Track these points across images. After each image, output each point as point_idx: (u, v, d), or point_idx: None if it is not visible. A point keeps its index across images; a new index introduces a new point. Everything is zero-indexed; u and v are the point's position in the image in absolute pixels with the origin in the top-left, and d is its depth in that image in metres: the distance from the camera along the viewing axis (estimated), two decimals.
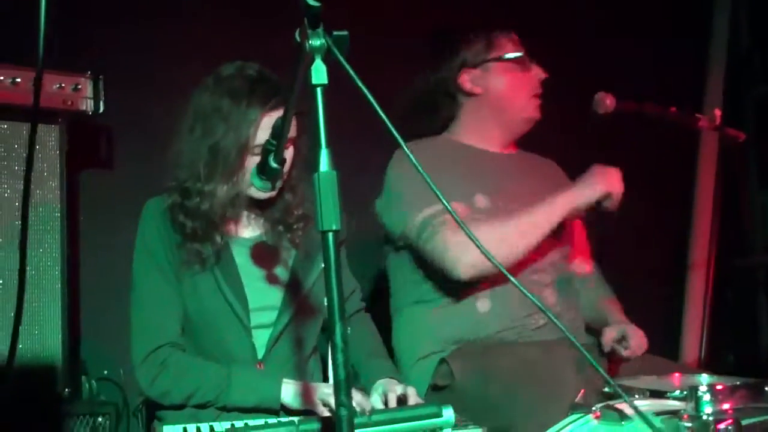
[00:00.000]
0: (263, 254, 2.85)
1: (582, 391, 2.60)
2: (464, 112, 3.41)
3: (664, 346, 4.33)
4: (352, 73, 1.84)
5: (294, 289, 2.84)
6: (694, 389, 2.17)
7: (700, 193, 4.68)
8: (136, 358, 2.70)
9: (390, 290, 3.40)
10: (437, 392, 3.11)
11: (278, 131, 2.29)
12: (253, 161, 2.66)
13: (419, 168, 1.97)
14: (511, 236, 3.05)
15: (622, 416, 2.31)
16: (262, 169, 2.41)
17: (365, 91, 1.83)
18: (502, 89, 3.33)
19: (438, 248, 3.07)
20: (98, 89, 3.36)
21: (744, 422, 2.05)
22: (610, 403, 2.41)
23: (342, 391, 1.80)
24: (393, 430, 2.29)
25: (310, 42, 1.85)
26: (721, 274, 4.42)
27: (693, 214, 4.70)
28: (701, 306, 4.43)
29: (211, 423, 2.46)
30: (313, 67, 1.85)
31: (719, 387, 2.18)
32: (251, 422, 2.45)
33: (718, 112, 3.46)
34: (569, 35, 4.36)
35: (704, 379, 2.87)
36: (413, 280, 3.26)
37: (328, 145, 1.84)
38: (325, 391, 2.63)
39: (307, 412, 2.63)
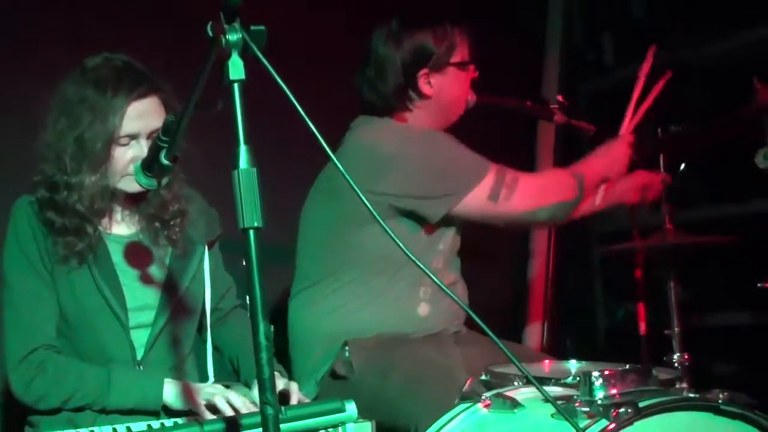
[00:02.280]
0: (138, 253, 2.78)
1: (469, 379, 2.66)
2: (412, 110, 3.31)
3: (509, 333, 4.46)
4: (271, 69, 1.82)
5: (171, 288, 2.79)
6: (587, 375, 2.25)
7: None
8: (11, 361, 2.61)
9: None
10: (335, 380, 3.12)
11: (171, 127, 2.23)
12: (120, 152, 2.62)
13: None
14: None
15: (514, 404, 2.37)
16: (149, 166, 2.34)
17: (285, 89, 1.82)
18: (450, 94, 3.31)
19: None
20: None
21: (640, 404, 2.13)
22: (501, 391, 2.47)
23: (267, 389, 1.78)
24: (296, 427, 2.27)
25: (226, 37, 1.82)
26: (560, 264, 4.60)
27: None
28: (542, 295, 4.59)
29: (90, 429, 2.37)
30: (230, 63, 1.81)
31: (609, 372, 2.27)
32: (133, 426, 2.40)
33: (561, 98, 3.58)
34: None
35: (572, 364, 2.99)
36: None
37: (247, 141, 1.82)
38: (208, 391, 2.60)
39: (188, 413, 2.59)
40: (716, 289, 4.26)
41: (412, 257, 2.00)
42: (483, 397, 2.48)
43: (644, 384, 2.32)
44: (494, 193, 3.12)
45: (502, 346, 2.08)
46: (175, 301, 2.78)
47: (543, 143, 4.83)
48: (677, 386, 2.46)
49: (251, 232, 1.80)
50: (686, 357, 3.23)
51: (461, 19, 3.32)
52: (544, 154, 4.82)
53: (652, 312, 3.65)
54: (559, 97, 3.50)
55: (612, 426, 2.08)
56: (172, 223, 2.79)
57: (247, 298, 1.82)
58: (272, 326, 1.83)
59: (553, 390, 2.48)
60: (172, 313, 2.77)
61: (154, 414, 2.62)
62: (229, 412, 2.53)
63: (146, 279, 2.77)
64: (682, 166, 3.57)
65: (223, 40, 1.82)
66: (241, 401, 2.57)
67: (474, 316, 2.02)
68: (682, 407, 2.19)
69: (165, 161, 2.27)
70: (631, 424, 2.10)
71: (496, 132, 3.91)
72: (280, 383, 2.68)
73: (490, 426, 2.40)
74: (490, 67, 3.47)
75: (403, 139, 3.16)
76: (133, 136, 2.63)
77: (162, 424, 2.43)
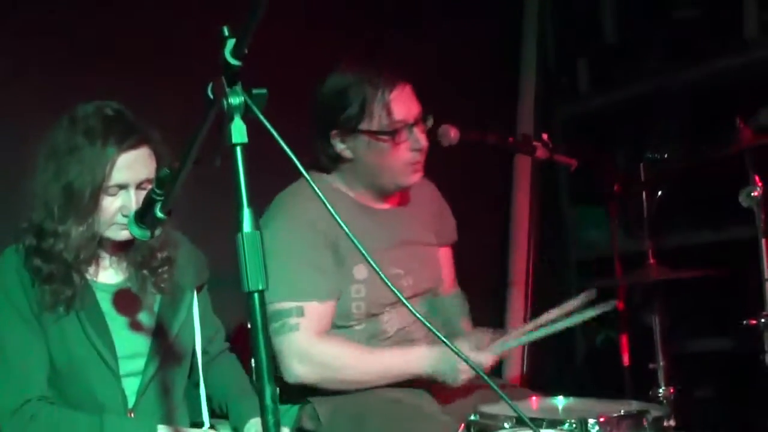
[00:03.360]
0: (126, 300, 2.78)
1: (461, 426, 2.67)
2: (344, 169, 3.17)
3: None
4: (273, 132, 1.83)
5: (161, 335, 2.79)
6: (583, 422, 2.27)
7: (517, 204, 4.84)
8: (4, 413, 2.59)
9: None
10: None
11: (165, 180, 2.23)
12: (108, 201, 2.61)
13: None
14: (357, 375, 3.04)
15: None
16: (143, 217, 2.34)
17: (287, 149, 1.83)
18: (370, 161, 3.09)
19: (278, 347, 2.99)
20: None
21: None
22: None
23: None
24: None
25: (228, 100, 1.82)
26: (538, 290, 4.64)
27: (512, 222, 4.85)
28: (523, 303, 4.61)
29: None
30: (232, 126, 1.82)
31: (605, 419, 2.29)
32: None
33: (545, 137, 3.58)
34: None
35: (560, 401, 3.01)
36: None
37: (250, 205, 1.82)
38: None
39: None
40: (696, 317, 4.30)
41: (392, 288, 2.02)
42: None
43: (638, 430, 2.34)
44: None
45: (497, 389, 2.10)
46: (165, 347, 2.78)
47: (520, 174, 4.85)
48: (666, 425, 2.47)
49: (255, 295, 1.80)
50: (671, 391, 3.26)
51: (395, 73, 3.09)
52: (521, 185, 4.84)
53: (635, 342, 3.67)
54: (544, 136, 3.50)
55: None
56: (160, 270, 2.79)
57: (252, 361, 1.81)
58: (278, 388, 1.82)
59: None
60: (162, 360, 2.77)
61: None
62: None
63: (135, 326, 2.76)
64: (659, 192, 3.61)
65: (225, 104, 1.83)
66: None
67: (463, 356, 2.02)
68: None
69: (160, 214, 2.27)
70: None
71: (473, 162, 3.93)
72: None
73: None
74: (465, 93, 3.52)
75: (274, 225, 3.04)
76: (122, 186, 2.63)
77: None
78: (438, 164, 3.25)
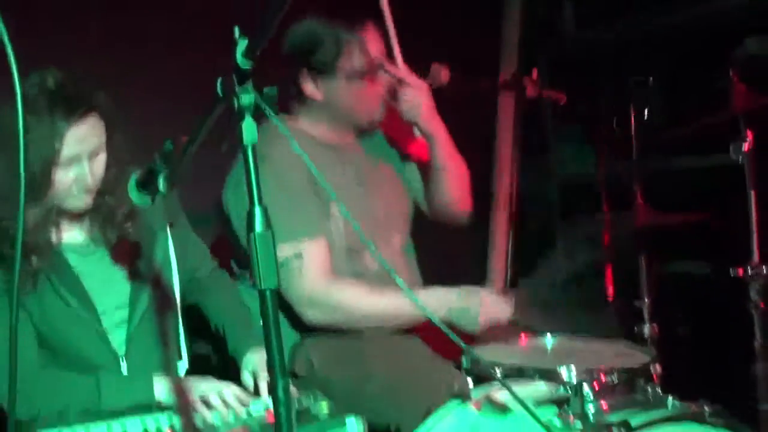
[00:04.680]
0: (97, 256, 2.80)
1: (458, 377, 2.75)
2: (309, 109, 3.25)
3: (474, 273, 4.56)
4: (287, 132, 1.84)
5: (139, 281, 2.82)
6: (579, 387, 2.34)
7: (501, 142, 4.84)
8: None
9: None
10: (297, 380, 3.11)
11: (168, 154, 2.23)
12: (61, 175, 2.59)
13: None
14: (367, 314, 3.10)
15: (504, 410, 2.46)
16: (143, 185, 2.34)
17: (305, 157, 1.84)
18: (344, 101, 3.18)
19: (286, 295, 3.03)
20: None
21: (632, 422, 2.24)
22: (490, 392, 2.56)
23: None
24: None
25: (239, 100, 1.82)
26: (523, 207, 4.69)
27: (496, 158, 4.86)
28: (506, 236, 4.67)
29: (87, 425, 2.46)
30: (243, 126, 1.83)
31: (598, 386, 2.37)
32: (129, 425, 2.49)
33: (534, 75, 3.59)
34: None
35: (549, 341, 3.08)
36: None
37: (261, 203, 1.84)
38: (202, 387, 2.67)
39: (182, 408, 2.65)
40: (683, 258, 4.37)
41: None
42: (473, 399, 2.56)
43: (632, 395, 2.43)
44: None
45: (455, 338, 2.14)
46: (147, 292, 2.82)
47: (503, 118, 4.83)
48: (658, 391, 2.55)
49: (268, 293, 1.84)
50: (655, 329, 3.34)
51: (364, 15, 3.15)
52: (504, 129, 4.83)
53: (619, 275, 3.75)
54: (533, 74, 3.52)
55: None
56: (124, 225, 2.78)
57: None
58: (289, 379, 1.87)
59: (542, 389, 2.57)
60: (147, 306, 2.81)
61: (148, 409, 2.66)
62: (223, 409, 2.60)
63: (112, 279, 2.79)
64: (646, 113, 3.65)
65: (236, 102, 1.83)
66: (236, 396, 2.66)
67: (442, 326, 2.05)
68: (671, 421, 2.29)
69: (162, 188, 2.27)
70: None
71: (455, 107, 3.90)
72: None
73: (483, 429, 2.48)
74: (448, 33, 3.50)
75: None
76: (75, 159, 2.60)
77: (158, 428, 2.52)
78: None
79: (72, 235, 2.78)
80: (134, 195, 2.37)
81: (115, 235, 2.78)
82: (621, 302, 3.56)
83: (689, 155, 4.42)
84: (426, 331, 3.16)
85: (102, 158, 2.66)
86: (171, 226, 2.90)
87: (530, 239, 4.88)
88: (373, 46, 3.14)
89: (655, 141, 3.88)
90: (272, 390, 1.85)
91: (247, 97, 1.83)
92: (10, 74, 2.45)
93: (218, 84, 1.87)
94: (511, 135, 4.66)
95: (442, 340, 3.10)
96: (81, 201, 2.66)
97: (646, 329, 3.34)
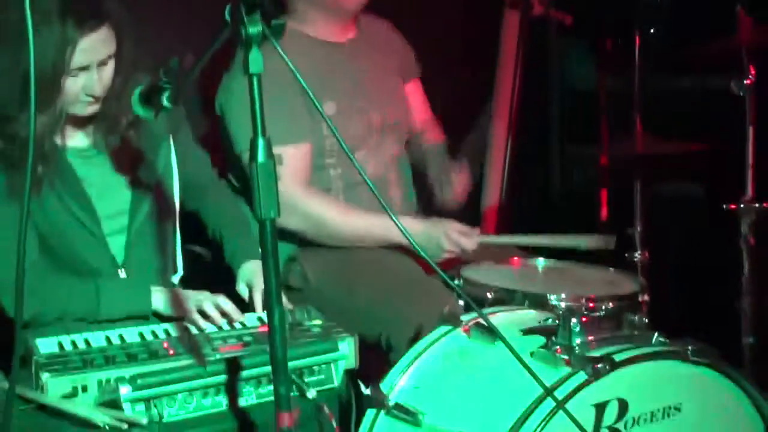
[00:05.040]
0: (100, 162, 2.80)
1: (449, 297, 2.80)
2: (295, 6, 3.29)
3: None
4: (290, 64, 1.85)
5: (140, 188, 2.83)
6: (566, 318, 2.38)
7: (504, 56, 4.76)
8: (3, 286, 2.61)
9: None
10: (291, 293, 3.17)
11: (173, 70, 2.24)
12: (70, 83, 2.58)
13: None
14: (334, 232, 3.16)
15: (492, 337, 2.50)
16: (147, 100, 2.35)
17: (298, 76, 1.85)
18: None
19: None
20: None
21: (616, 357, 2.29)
22: (480, 321, 2.60)
23: (280, 372, 1.89)
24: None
25: (247, 29, 1.83)
26: (519, 124, 4.66)
27: (497, 72, 4.81)
28: (503, 152, 4.66)
29: (84, 337, 2.51)
30: (250, 56, 1.83)
31: (587, 320, 2.42)
32: (126, 335, 2.54)
33: None
34: None
35: (540, 262, 3.14)
36: None
37: (264, 133, 1.86)
38: (198, 297, 2.71)
39: (177, 318, 2.72)
40: (678, 189, 4.37)
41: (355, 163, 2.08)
42: (463, 323, 2.60)
43: (618, 328, 2.48)
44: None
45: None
46: (147, 201, 2.83)
47: (507, 34, 4.75)
48: (645, 321, 2.61)
49: (267, 222, 1.86)
50: (646, 255, 3.38)
51: None
52: (508, 46, 4.75)
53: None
54: None
55: (590, 379, 2.23)
56: (128, 132, 2.79)
57: None
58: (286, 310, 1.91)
59: (530, 316, 2.63)
60: (147, 213, 2.83)
61: (145, 318, 2.73)
62: (218, 318, 2.65)
63: (114, 184, 2.81)
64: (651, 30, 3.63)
65: (243, 31, 1.83)
66: (230, 307, 2.70)
67: (429, 260, 2.08)
68: (655, 358, 2.34)
69: (167, 103, 2.28)
70: (606, 374, 2.24)
71: (457, 22, 3.88)
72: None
73: (471, 354, 2.52)
74: None
75: None
76: (84, 68, 2.59)
77: (154, 332, 2.58)
78: (422, 20, 3.26)
79: (76, 140, 2.78)
80: (138, 108, 2.38)
81: (117, 141, 2.78)
82: (613, 227, 3.56)
83: (691, 78, 4.39)
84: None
85: (110, 66, 2.65)
86: (174, 135, 2.90)
87: (527, 155, 4.86)
88: None
89: (659, 61, 3.87)
90: (269, 318, 1.90)
91: (254, 28, 1.83)
92: None
93: (226, 10, 1.87)
94: (514, 51, 4.59)
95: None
96: (87, 107, 2.65)
97: (637, 256, 3.37)
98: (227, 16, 1.87)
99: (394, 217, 2.10)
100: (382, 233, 3.12)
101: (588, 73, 4.62)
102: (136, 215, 2.81)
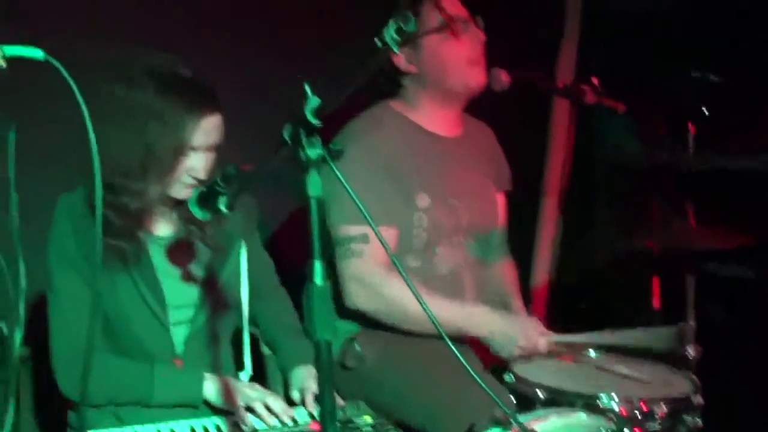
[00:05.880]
0: (176, 252, 2.85)
1: (503, 393, 2.78)
2: (407, 89, 3.30)
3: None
4: (343, 182, 1.86)
5: (209, 285, 2.87)
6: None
7: (554, 140, 4.80)
8: (58, 361, 2.70)
9: None
10: (345, 371, 3.19)
11: (230, 177, 2.26)
12: (184, 161, 2.67)
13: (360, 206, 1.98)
14: (411, 316, 3.09)
15: None
16: (205, 203, 2.37)
17: (340, 176, 1.86)
18: (435, 64, 3.22)
19: (341, 271, 3.10)
20: None
21: None
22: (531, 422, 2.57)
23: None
24: None
25: (306, 151, 1.85)
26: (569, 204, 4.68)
27: (548, 156, 4.83)
28: (552, 232, 4.67)
29: (136, 428, 2.56)
30: (308, 179, 1.85)
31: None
32: (176, 428, 2.57)
33: (595, 81, 3.55)
34: None
35: (592, 354, 3.10)
36: None
37: (321, 257, 1.87)
38: (248, 394, 2.73)
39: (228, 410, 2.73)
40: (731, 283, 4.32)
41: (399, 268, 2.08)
42: (513, 425, 2.57)
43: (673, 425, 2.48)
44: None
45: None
46: (214, 297, 2.86)
47: (557, 120, 4.77)
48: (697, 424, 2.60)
49: (323, 344, 1.87)
50: (698, 350, 3.34)
51: None
52: (558, 129, 4.77)
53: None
54: (593, 80, 3.47)
55: None
56: (206, 226, 2.83)
57: None
58: None
59: (582, 421, 2.60)
60: (210, 309, 2.85)
61: (196, 407, 2.75)
62: (267, 418, 2.66)
63: (185, 277, 2.84)
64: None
65: (302, 154, 1.85)
66: (280, 407, 2.70)
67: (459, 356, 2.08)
68: None
69: (223, 208, 2.30)
70: None
71: (509, 104, 3.88)
72: (315, 385, 2.80)
73: None
74: (507, 33, 3.45)
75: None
76: (197, 150, 2.68)
77: (205, 428, 2.60)
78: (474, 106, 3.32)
79: (158, 226, 2.84)
80: (194, 208, 2.41)
81: (198, 234, 2.84)
82: (665, 316, 3.53)
83: (743, 158, 4.36)
84: (475, 342, 3.19)
85: (213, 155, 2.74)
86: (246, 237, 2.93)
87: (576, 235, 4.87)
88: (452, 5, 3.19)
89: (712, 145, 3.84)
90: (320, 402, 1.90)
91: (313, 151, 1.85)
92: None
93: (286, 130, 1.89)
94: (565, 135, 4.63)
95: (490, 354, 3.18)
96: (184, 190, 2.71)
97: (690, 351, 3.32)
98: (286, 137, 1.89)
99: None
100: (460, 322, 3.10)
101: (639, 154, 4.61)
102: (201, 310, 2.84)
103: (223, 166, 2.49)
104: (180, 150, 2.65)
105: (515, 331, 3.08)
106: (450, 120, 3.35)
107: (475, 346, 3.20)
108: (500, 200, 3.58)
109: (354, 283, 3.10)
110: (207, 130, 2.67)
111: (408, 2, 3.10)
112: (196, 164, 2.68)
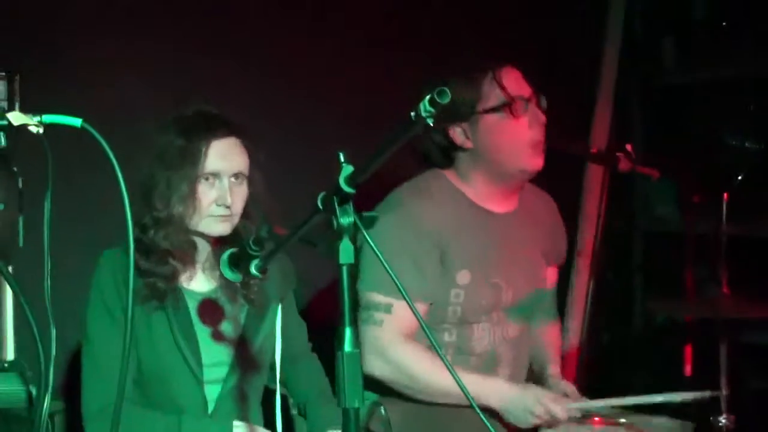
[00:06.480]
0: (212, 309, 2.85)
1: None
2: (460, 162, 3.17)
3: None
4: (370, 240, 1.87)
5: (244, 345, 2.87)
6: None
7: (587, 205, 4.78)
8: (88, 412, 2.71)
9: None
10: None
11: (262, 240, 2.28)
12: (203, 189, 2.70)
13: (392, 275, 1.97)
14: (420, 384, 3.08)
15: None
16: (237, 265, 2.39)
17: (373, 245, 1.87)
18: (491, 144, 3.08)
19: (361, 336, 3.03)
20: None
21: None
22: None
23: None
24: None
25: (338, 219, 1.86)
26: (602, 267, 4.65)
27: (581, 221, 4.82)
28: (584, 296, 4.64)
29: None
30: (340, 247, 1.86)
31: None
32: None
33: (629, 148, 3.54)
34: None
35: (622, 421, 3.07)
36: None
37: (351, 324, 1.87)
38: None
39: None
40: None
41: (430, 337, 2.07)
42: None
43: None
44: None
45: None
46: (248, 358, 2.86)
47: (590, 185, 4.76)
48: None
49: (352, 412, 1.87)
50: (732, 419, 3.29)
51: (500, 58, 3.13)
52: (591, 194, 4.76)
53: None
54: (627, 146, 3.47)
55: None
56: (251, 282, 2.83)
57: None
58: None
59: None
60: (243, 369, 2.85)
61: None
62: None
63: (220, 336, 2.85)
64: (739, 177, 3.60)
65: (335, 222, 1.86)
66: None
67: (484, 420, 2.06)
68: None
69: (255, 272, 2.31)
70: None
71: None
72: None
73: None
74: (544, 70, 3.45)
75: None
76: (216, 175, 2.71)
77: None
78: None
79: (198, 282, 2.86)
80: (225, 269, 2.41)
81: (238, 292, 2.86)
82: (697, 383, 3.49)
83: None
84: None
85: (244, 187, 2.76)
86: (282, 298, 2.94)
87: (609, 299, 4.85)
88: (515, 83, 3.08)
89: (747, 211, 3.83)
90: None
91: (346, 219, 1.86)
92: None
93: (319, 197, 1.91)
94: (598, 203, 4.61)
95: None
96: (219, 225, 2.73)
97: (723, 420, 3.28)
98: (320, 204, 1.91)
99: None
100: (473, 393, 3.06)
101: (673, 219, 4.61)
102: (234, 370, 2.84)
103: (258, 227, 2.52)
104: (194, 175, 2.68)
105: (529, 399, 3.02)
106: (504, 196, 3.22)
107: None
108: (551, 276, 3.50)
109: (373, 354, 3.05)
110: (221, 153, 2.69)
111: (463, 77, 3.05)
112: (221, 193, 2.70)
